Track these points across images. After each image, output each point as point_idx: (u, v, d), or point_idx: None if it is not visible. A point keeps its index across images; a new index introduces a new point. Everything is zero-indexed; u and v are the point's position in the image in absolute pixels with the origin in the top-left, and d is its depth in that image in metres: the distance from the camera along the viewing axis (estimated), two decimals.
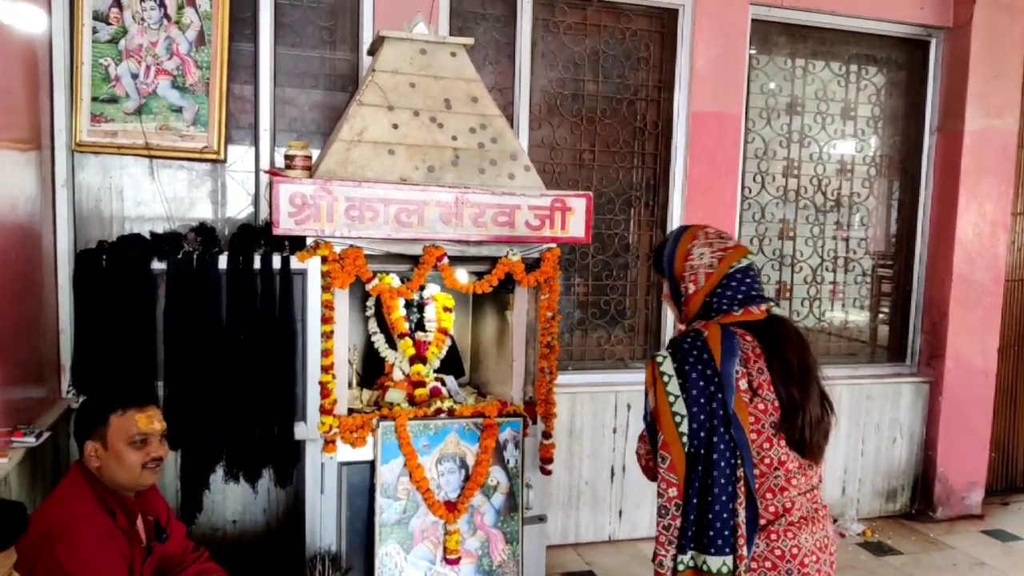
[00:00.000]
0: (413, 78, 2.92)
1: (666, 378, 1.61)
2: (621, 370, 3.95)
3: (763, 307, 1.69)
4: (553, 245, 2.92)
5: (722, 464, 1.54)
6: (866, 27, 4.09)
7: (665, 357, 1.63)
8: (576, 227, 2.93)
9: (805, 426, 1.61)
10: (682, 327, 1.78)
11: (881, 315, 4.42)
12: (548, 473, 3.07)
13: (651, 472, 1.72)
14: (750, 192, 4.07)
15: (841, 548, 3.89)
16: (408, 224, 2.74)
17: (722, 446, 1.55)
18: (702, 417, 1.57)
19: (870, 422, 4.20)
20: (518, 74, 3.64)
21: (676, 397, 1.59)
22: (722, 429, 1.56)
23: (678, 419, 1.58)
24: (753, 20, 3.89)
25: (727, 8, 3.80)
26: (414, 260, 2.83)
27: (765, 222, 4.12)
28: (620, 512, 3.90)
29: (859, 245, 4.30)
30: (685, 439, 1.57)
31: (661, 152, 3.91)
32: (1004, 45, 4.08)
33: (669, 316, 3.95)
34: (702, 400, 1.58)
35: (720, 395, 1.57)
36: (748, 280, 1.70)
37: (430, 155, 2.85)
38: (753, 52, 3.98)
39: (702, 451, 1.56)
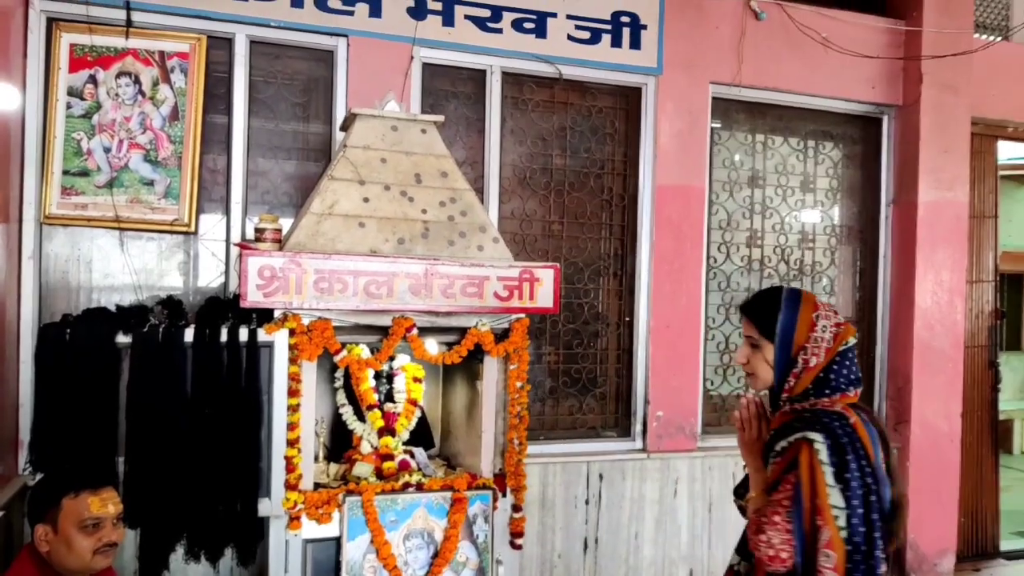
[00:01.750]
0: (384, 153, 2.98)
1: (825, 467, 1.55)
2: (593, 439, 3.94)
3: (858, 390, 1.73)
4: (522, 315, 2.95)
5: (883, 561, 1.55)
6: (822, 105, 4.28)
7: (822, 444, 1.57)
8: (544, 297, 2.96)
9: (902, 519, 1.65)
10: (789, 407, 1.71)
11: None
12: (518, 547, 3.02)
13: (778, 561, 1.60)
14: (715, 262, 4.16)
15: None
16: (377, 296, 2.76)
17: (883, 543, 1.55)
18: (861, 511, 1.53)
19: None
20: (488, 149, 3.73)
21: (832, 488, 1.54)
22: (881, 524, 1.55)
23: (835, 512, 1.54)
24: (714, 98, 4.06)
25: (688, 87, 3.96)
26: (383, 331, 2.83)
27: (731, 291, 4.20)
28: None
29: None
30: (844, 534, 1.53)
31: (628, 223, 4.00)
32: (951, 122, 4.29)
33: (639, 383, 3.96)
34: (861, 493, 1.54)
35: (876, 488, 1.56)
36: (855, 359, 1.73)
37: (400, 228, 2.89)
38: (715, 127, 4.13)
39: (862, 547, 1.53)
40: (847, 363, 1.69)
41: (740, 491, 1.93)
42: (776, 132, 4.29)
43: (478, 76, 3.75)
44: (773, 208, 4.27)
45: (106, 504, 1.99)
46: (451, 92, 3.74)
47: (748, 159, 4.25)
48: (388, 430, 3.17)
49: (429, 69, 3.66)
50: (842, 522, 1.53)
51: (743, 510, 1.87)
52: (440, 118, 3.07)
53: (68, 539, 1.92)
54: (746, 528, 1.77)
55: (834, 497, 1.54)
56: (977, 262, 4.53)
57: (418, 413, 3.29)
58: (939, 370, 4.27)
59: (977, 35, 4.48)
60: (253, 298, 2.63)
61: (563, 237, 3.94)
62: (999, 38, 4.57)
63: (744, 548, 1.83)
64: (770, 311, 1.73)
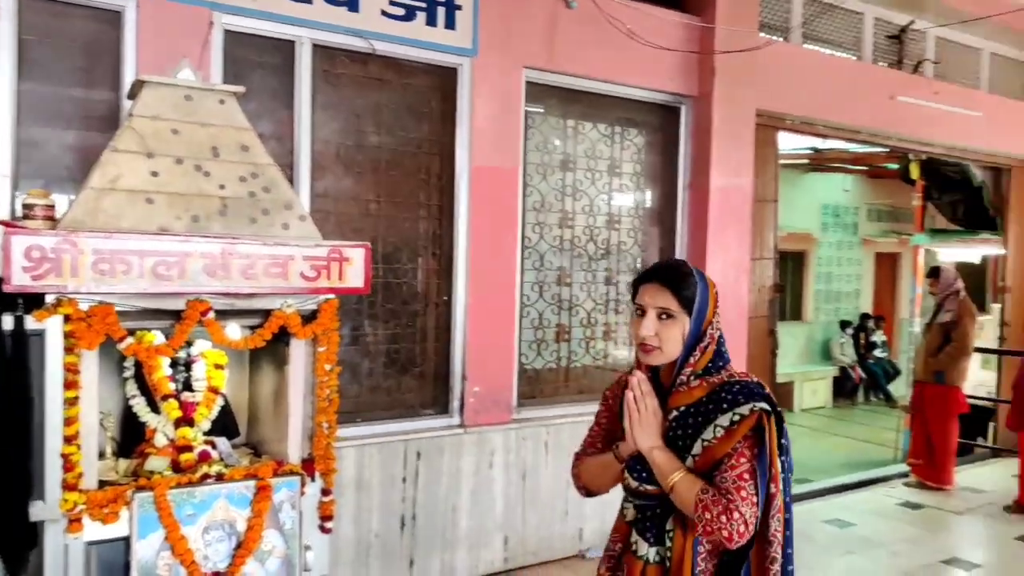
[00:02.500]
0: (176, 124, 2.77)
1: (775, 436, 1.67)
2: (412, 418, 3.95)
3: None
4: (331, 296, 2.87)
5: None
6: (627, 93, 4.51)
7: (771, 413, 1.66)
8: (354, 277, 2.90)
9: None
10: (692, 369, 1.72)
11: None
12: (328, 531, 2.98)
13: (746, 536, 1.60)
14: (530, 242, 4.29)
15: None
16: (167, 277, 2.57)
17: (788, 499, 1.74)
18: (791, 474, 1.75)
19: None
20: (298, 124, 3.59)
21: (779, 456, 1.68)
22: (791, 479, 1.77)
23: (781, 477, 1.68)
24: (528, 82, 4.15)
25: (503, 70, 4.03)
26: (177, 315, 2.65)
27: (544, 270, 4.36)
28: (411, 562, 3.86)
29: (628, 289, 4.67)
30: (786, 498, 1.70)
31: (446, 204, 4.02)
32: (739, 113, 4.69)
33: (457, 360, 4.02)
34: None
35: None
36: None
37: (195, 204, 2.71)
38: (530, 110, 4.24)
39: (791, 507, 1.73)
40: (722, 339, 1.82)
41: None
42: (586, 118, 4.48)
43: (286, 47, 3.58)
44: (583, 191, 4.46)
45: None
46: (257, 62, 3.55)
47: (561, 143, 4.40)
48: (186, 420, 2.98)
49: (232, 37, 3.44)
50: (782, 486, 1.68)
51: (638, 493, 1.77)
52: (240, 89, 2.90)
53: None
54: (684, 512, 1.66)
55: (778, 464, 1.66)
56: (760, 241, 5.00)
57: (220, 401, 3.12)
58: (727, 339, 4.68)
59: (763, 34, 4.90)
60: (19, 282, 2.36)
61: (380, 216, 3.88)
62: (780, 38, 5.03)
63: (657, 535, 1.75)
64: (689, 284, 1.70)
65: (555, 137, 4.38)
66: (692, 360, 1.72)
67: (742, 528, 1.58)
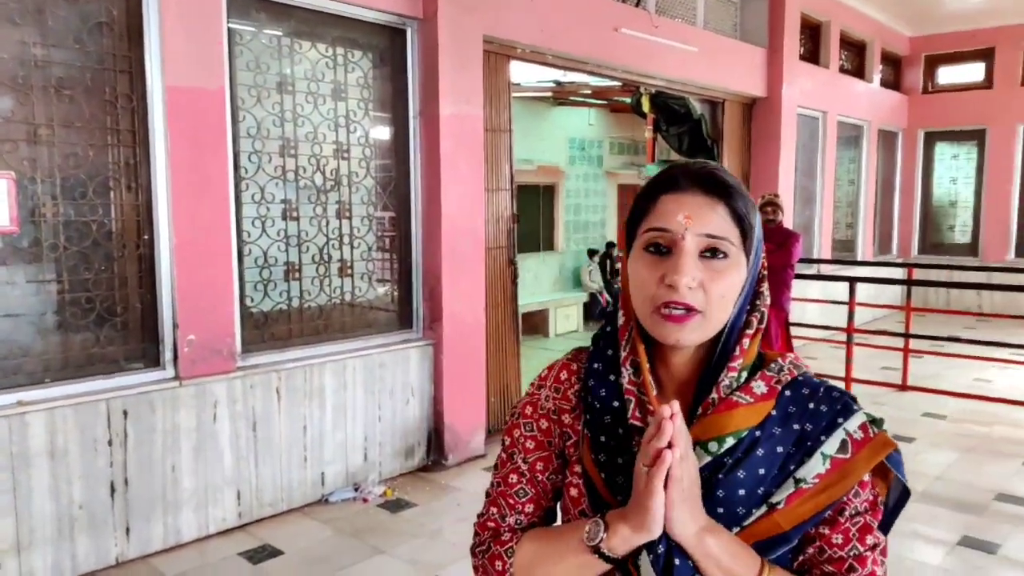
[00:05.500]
0: None
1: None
2: (115, 374, 3.52)
3: None
4: None
5: None
6: (347, 11, 4.23)
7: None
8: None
9: None
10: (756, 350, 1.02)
11: (389, 287, 4.72)
12: None
13: None
14: (246, 172, 3.94)
15: (363, 512, 4.08)
16: None
17: None
18: None
19: (384, 388, 4.48)
20: None
21: None
22: None
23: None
24: None
25: None
26: None
27: (266, 203, 4.04)
28: (127, 530, 3.51)
29: (362, 223, 4.51)
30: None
31: (139, 130, 3.54)
32: (466, 39, 4.62)
33: (166, 307, 3.63)
34: None
35: None
36: None
37: None
38: (235, 27, 3.83)
39: None
40: None
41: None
42: (304, 36, 4.15)
43: None
44: (305, 116, 4.17)
45: None
46: None
47: (276, 64, 4.05)
48: None
49: None
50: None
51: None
52: None
53: None
54: None
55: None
56: (495, 172, 5.05)
57: None
58: (465, 270, 4.74)
59: None
60: None
61: (55, 144, 3.33)
62: None
63: None
64: (745, 197, 0.99)
65: (269, 57, 4.02)
66: (748, 336, 1.00)
67: None
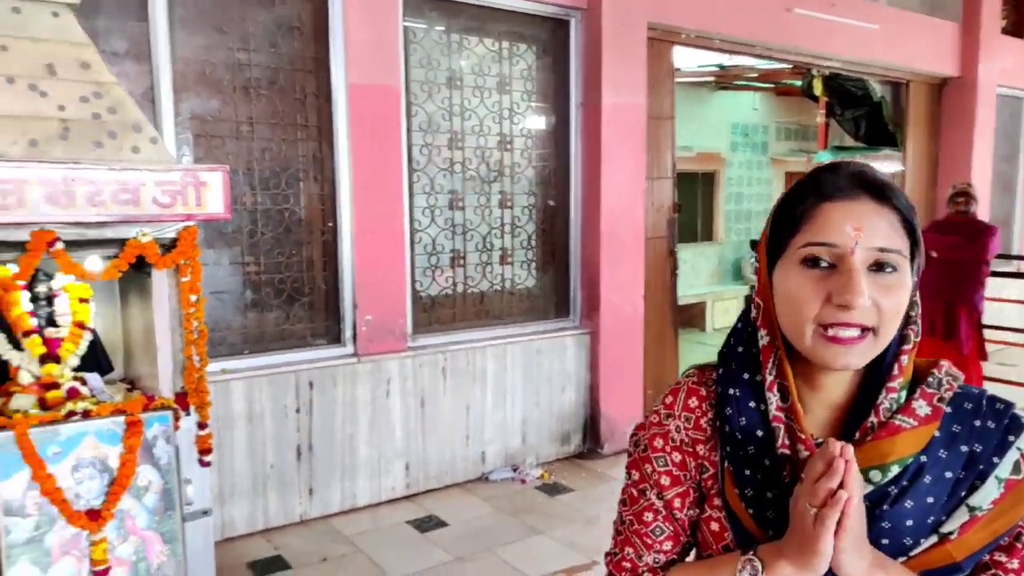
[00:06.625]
0: (4, 40, 2.55)
1: None
2: (302, 349, 3.88)
3: None
4: (190, 223, 2.74)
5: None
6: (513, 5, 4.36)
7: None
8: (214, 203, 2.77)
9: None
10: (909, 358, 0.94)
11: (547, 275, 4.82)
12: (207, 464, 2.92)
13: None
14: (418, 164, 4.18)
15: (521, 493, 4.22)
16: (5, 206, 2.40)
17: None
18: None
19: (541, 374, 4.59)
20: (154, 40, 3.35)
21: None
22: None
23: None
24: None
25: None
26: (22, 247, 2.49)
27: (435, 193, 4.27)
28: (310, 491, 3.86)
29: (523, 212, 4.64)
30: None
31: (324, 125, 3.86)
32: (629, 27, 4.60)
33: (347, 289, 3.95)
34: None
35: None
36: None
37: (32, 127, 2.52)
38: (410, 24, 4.06)
39: None
40: None
41: None
42: (472, 32, 4.33)
43: None
44: (472, 110, 4.35)
45: None
46: None
47: (446, 59, 4.25)
48: (51, 357, 2.85)
49: None
50: None
51: None
52: (74, 0, 2.67)
53: None
54: None
55: None
56: (657, 161, 5.00)
57: (88, 336, 2.99)
58: (623, 260, 4.74)
59: None
60: None
61: (254, 139, 3.70)
62: None
63: None
64: (906, 199, 0.92)
65: (440, 53, 4.22)
66: (905, 353, 0.93)
67: None
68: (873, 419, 0.91)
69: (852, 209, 0.88)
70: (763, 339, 0.95)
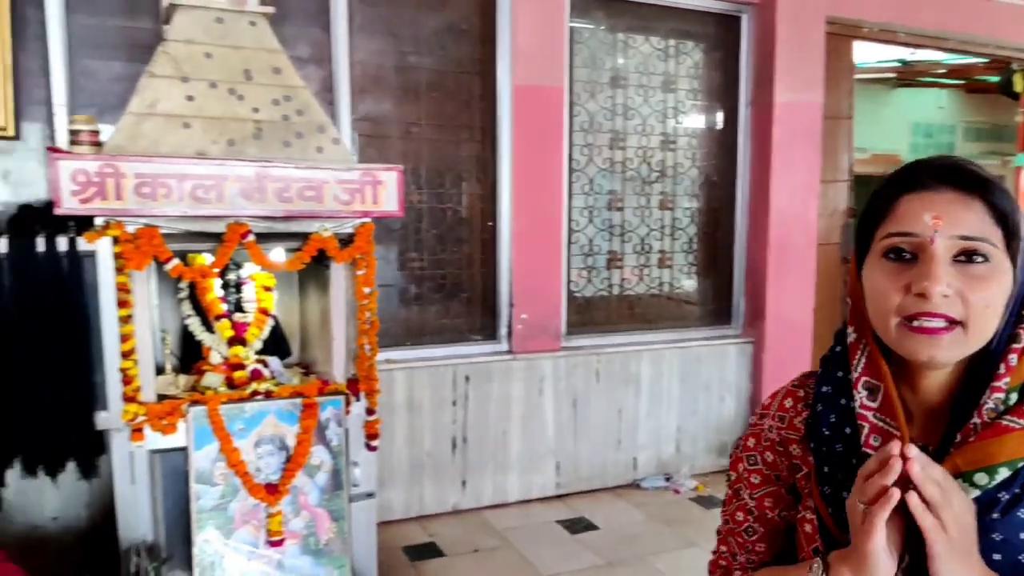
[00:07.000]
0: (209, 48, 2.80)
1: None
2: (460, 343, 3.99)
3: None
4: (367, 219, 2.89)
5: None
6: (681, 3, 4.25)
7: None
8: (388, 201, 2.91)
9: None
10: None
11: (708, 280, 4.65)
12: (373, 449, 3.07)
13: None
14: (578, 164, 4.17)
15: (675, 503, 4.10)
16: (206, 200, 2.64)
17: None
18: None
19: (699, 382, 4.43)
20: (335, 46, 3.56)
21: None
22: None
23: None
24: None
25: None
26: (219, 238, 2.73)
27: (594, 194, 4.24)
28: (464, 482, 3.95)
29: (684, 214, 4.51)
30: None
31: (488, 126, 3.94)
32: (806, 21, 4.35)
33: (504, 287, 4.01)
34: None
35: None
36: None
37: (229, 128, 2.75)
38: (575, 25, 4.06)
39: None
40: None
41: None
42: (638, 31, 4.26)
43: None
44: (635, 109, 4.28)
45: None
46: None
47: (610, 59, 4.21)
48: (238, 340, 3.11)
49: None
50: None
51: None
52: (270, 9, 2.89)
53: None
54: None
55: None
56: (832, 162, 4.69)
57: (270, 322, 3.23)
58: (793, 267, 4.49)
59: None
60: (68, 205, 2.47)
61: (422, 140, 3.85)
62: None
63: None
64: (1005, 192, 0.86)
65: (604, 53, 4.19)
66: (1015, 352, 0.86)
67: None
68: (976, 420, 0.85)
69: (932, 199, 0.85)
70: (851, 336, 0.94)
